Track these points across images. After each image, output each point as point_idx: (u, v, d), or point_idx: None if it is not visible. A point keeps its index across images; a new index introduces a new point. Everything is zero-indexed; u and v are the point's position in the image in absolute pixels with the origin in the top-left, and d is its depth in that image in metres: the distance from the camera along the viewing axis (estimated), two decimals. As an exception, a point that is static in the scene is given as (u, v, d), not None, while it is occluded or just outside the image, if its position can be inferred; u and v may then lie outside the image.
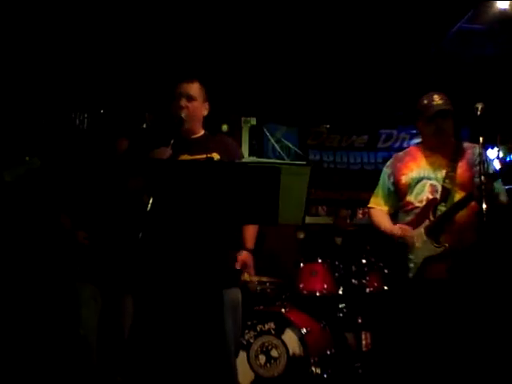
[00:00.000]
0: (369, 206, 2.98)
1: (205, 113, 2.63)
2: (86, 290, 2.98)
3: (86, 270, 2.99)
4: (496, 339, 2.53)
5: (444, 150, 2.76)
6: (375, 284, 4.13)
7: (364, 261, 4.24)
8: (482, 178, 2.33)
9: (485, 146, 2.46)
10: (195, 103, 2.55)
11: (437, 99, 2.72)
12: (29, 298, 3.67)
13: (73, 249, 3.05)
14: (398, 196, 2.85)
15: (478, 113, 2.43)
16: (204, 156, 2.46)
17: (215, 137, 2.66)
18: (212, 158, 2.47)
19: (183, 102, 2.51)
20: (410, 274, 2.67)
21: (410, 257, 2.68)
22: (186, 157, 2.47)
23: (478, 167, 2.46)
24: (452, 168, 2.70)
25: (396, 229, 2.76)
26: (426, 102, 2.75)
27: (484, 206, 2.26)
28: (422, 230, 2.67)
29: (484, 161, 2.37)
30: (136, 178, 2.49)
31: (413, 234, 2.68)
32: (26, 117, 4.28)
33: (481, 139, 2.42)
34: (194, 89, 2.56)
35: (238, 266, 2.46)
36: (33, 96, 4.35)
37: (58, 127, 4.43)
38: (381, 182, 2.94)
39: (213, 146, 2.53)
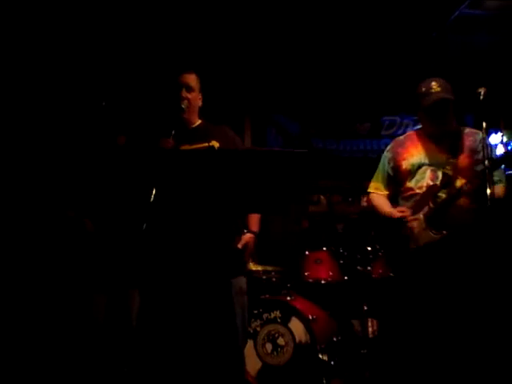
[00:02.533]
0: (368, 190, 2.97)
1: (200, 103, 2.66)
2: (93, 282, 3.00)
3: (93, 262, 3.01)
4: (497, 326, 2.52)
5: (445, 135, 2.72)
6: (380, 270, 4.14)
7: (369, 248, 4.25)
8: (486, 162, 2.31)
9: (488, 131, 2.43)
10: (194, 94, 2.59)
11: (435, 86, 2.65)
12: (37, 291, 3.71)
13: (81, 239, 3.06)
14: (397, 181, 2.83)
15: (481, 97, 2.41)
16: (205, 145, 2.47)
17: (214, 126, 2.67)
18: (213, 147, 2.48)
19: (183, 93, 2.54)
20: (408, 259, 2.67)
21: (409, 242, 2.67)
22: (186, 147, 2.48)
23: (480, 153, 2.44)
24: (453, 154, 2.67)
25: (395, 212, 2.75)
26: (423, 89, 2.68)
27: (488, 190, 2.25)
28: (421, 216, 2.66)
29: (487, 145, 2.35)
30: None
31: (412, 219, 2.68)
32: (27, 110, 4.28)
33: (484, 124, 2.39)
34: (192, 79, 2.60)
35: (239, 246, 2.47)
36: (35, 89, 4.35)
37: (60, 119, 4.44)
38: (380, 167, 2.92)
39: (212, 135, 2.54)
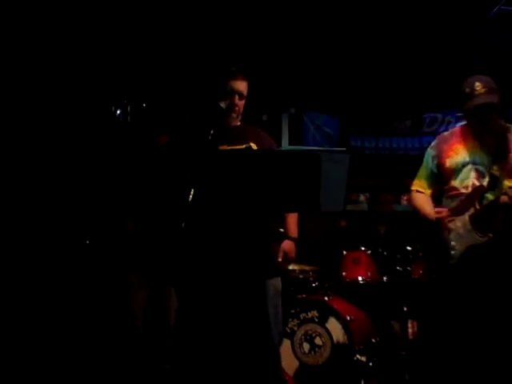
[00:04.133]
0: (411, 188, 2.89)
1: None
2: (134, 279, 3.06)
3: (135, 259, 3.08)
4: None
5: (491, 134, 2.62)
6: (420, 271, 4.06)
7: (409, 248, 4.17)
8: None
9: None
10: (243, 101, 2.60)
11: (478, 88, 2.54)
12: (81, 286, 3.82)
13: (122, 238, 3.14)
14: (441, 179, 2.74)
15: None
16: (242, 146, 2.48)
17: (250, 127, 2.68)
18: (250, 147, 2.49)
19: (236, 100, 2.55)
20: (452, 261, 2.60)
21: (453, 243, 2.60)
22: (224, 147, 2.50)
23: None
24: (501, 154, 2.57)
25: (433, 213, 2.68)
26: (467, 90, 2.57)
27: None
28: (466, 217, 2.58)
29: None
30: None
31: (455, 220, 2.61)
32: (68, 111, 4.41)
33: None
34: (245, 87, 2.60)
35: (279, 257, 2.47)
36: (74, 90, 4.48)
37: (100, 121, 4.55)
38: (424, 164, 2.84)
39: (249, 136, 2.55)
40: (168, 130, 3.31)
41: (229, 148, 2.50)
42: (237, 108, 2.56)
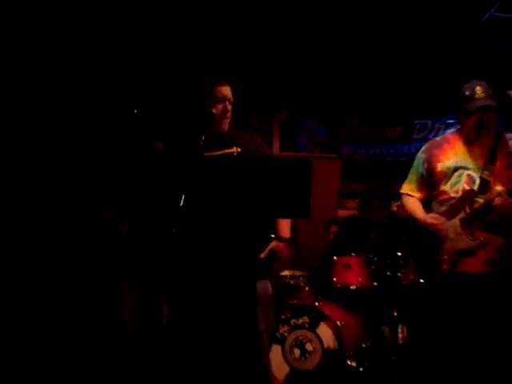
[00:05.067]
0: (401, 191, 2.91)
1: None
2: (125, 282, 3.06)
3: (127, 263, 3.07)
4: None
5: (484, 140, 2.66)
6: (411, 277, 4.08)
7: (399, 253, 4.19)
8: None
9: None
10: (231, 105, 2.61)
11: (479, 92, 2.59)
12: (72, 289, 3.80)
13: (116, 241, 3.13)
14: (431, 183, 2.77)
15: (511, 100, 2.35)
16: (226, 151, 2.49)
17: (240, 132, 2.69)
18: (243, 153, 2.49)
19: (228, 106, 2.56)
20: (442, 266, 2.63)
21: (443, 248, 2.63)
22: (209, 153, 2.49)
23: None
24: (491, 159, 2.61)
25: (429, 218, 2.71)
26: (467, 93, 2.62)
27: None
28: (457, 221, 2.61)
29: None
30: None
31: (447, 224, 2.63)
32: (61, 117, 4.40)
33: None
34: (230, 91, 2.61)
35: (262, 255, 2.46)
36: (68, 95, 4.47)
37: (92, 127, 4.54)
38: (414, 168, 2.86)
39: (236, 141, 2.55)
40: (160, 136, 3.32)
41: (212, 154, 2.50)
42: (229, 114, 2.58)
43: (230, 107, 2.58)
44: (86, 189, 3.90)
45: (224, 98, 2.56)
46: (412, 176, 2.87)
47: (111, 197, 3.21)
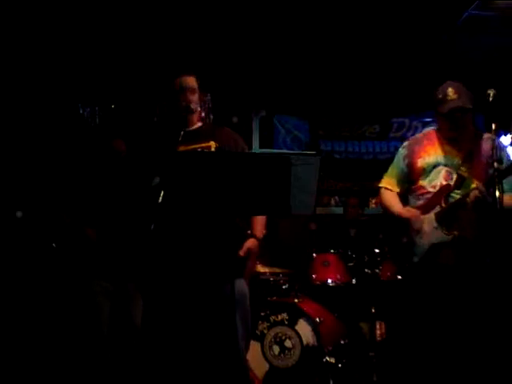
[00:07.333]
0: (380, 185, 2.94)
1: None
2: (97, 286, 3.01)
3: (97, 266, 3.02)
4: (504, 328, 2.50)
5: (462, 138, 2.71)
6: (388, 273, 4.12)
7: (377, 250, 4.23)
8: (495, 164, 2.27)
9: (498, 133, 2.41)
10: (197, 95, 2.58)
11: (451, 93, 2.62)
12: (42, 296, 3.72)
13: (82, 246, 3.07)
14: (410, 179, 2.81)
15: (490, 99, 2.38)
16: (202, 145, 2.47)
17: (216, 127, 2.67)
18: (221, 149, 2.47)
19: (190, 96, 2.53)
20: (415, 259, 2.66)
21: (417, 241, 2.66)
22: (183, 148, 2.46)
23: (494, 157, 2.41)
24: (469, 156, 2.66)
25: (405, 211, 2.74)
26: (440, 96, 2.66)
27: (497, 193, 2.21)
28: (432, 215, 2.65)
29: (496, 147, 2.31)
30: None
31: (422, 218, 2.66)
32: (32, 111, 4.31)
33: (493, 126, 2.36)
34: (194, 81, 2.58)
35: (241, 253, 2.45)
36: (40, 90, 4.38)
37: (66, 122, 4.46)
38: (395, 163, 2.89)
39: (212, 136, 2.53)
40: (122, 135, 3.26)
41: (186, 149, 2.47)
42: (193, 103, 2.53)
43: (192, 97, 2.54)
44: (42, 192, 3.79)
45: (183, 90, 2.52)
46: (392, 170, 2.90)
47: (73, 201, 3.13)
